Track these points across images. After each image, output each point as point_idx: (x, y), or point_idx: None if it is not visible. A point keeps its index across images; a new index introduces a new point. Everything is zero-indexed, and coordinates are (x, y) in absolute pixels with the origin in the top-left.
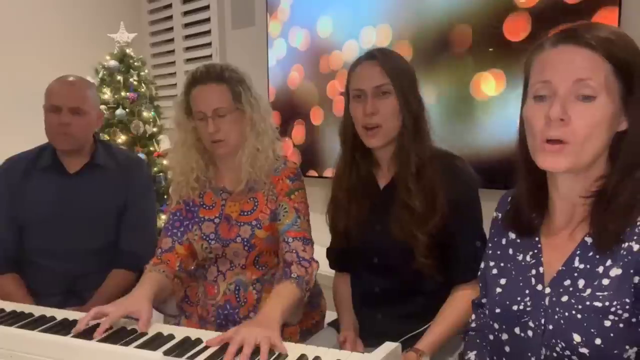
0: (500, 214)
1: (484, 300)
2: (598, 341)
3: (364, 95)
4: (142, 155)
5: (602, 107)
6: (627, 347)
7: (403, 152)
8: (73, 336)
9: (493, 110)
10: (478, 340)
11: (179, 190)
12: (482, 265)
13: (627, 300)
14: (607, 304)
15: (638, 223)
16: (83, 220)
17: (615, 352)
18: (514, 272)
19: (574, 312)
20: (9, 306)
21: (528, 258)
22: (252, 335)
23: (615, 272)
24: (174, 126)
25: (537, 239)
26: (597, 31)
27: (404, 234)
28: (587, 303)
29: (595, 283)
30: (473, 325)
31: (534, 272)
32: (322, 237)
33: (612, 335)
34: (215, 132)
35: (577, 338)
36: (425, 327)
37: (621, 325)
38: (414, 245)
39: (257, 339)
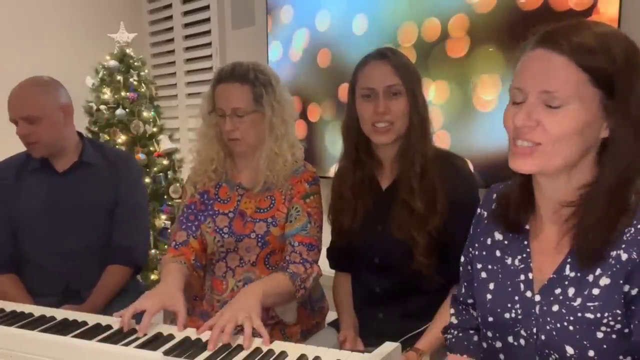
0: (485, 212)
1: (470, 301)
2: (591, 353)
3: (375, 95)
4: (142, 156)
5: (571, 114)
6: (621, 357)
7: (409, 152)
8: (73, 336)
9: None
10: (465, 343)
11: (194, 178)
12: (462, 260)
13: (619, 311)
14: (598, 315)
15: (626, 232)
16: (75, 218)
17: None
18: (501, 276)
19: (565, 323)
20: (9, 306)
21: (517, 262)
22: (234, 317)
23: (604, 281)
24: (199, 117)
25: (525, 242)
26: (578, 36)
27: (403, 233)
28: (579, 314)
29: (586, 292)
30: (454, 321)
31: (522, 277)
32: (322, 237)
33: (605, 346)
34: (232, 130)
35: (570, 350)
36: (425, 327)
37: (614, 336)
38: (413, 245)
39: (238, 320)
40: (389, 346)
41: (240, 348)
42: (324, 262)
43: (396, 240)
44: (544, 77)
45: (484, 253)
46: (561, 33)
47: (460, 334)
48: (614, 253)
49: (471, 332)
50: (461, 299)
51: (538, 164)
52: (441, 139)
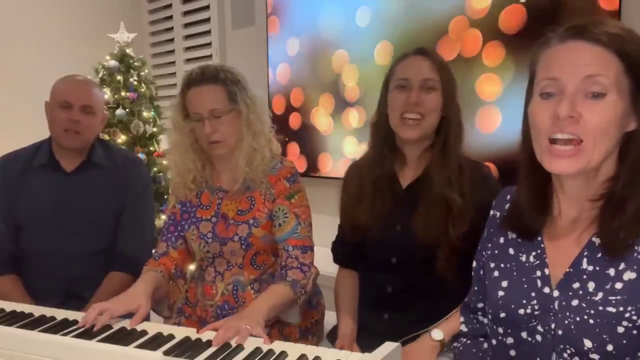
0: (498, 213)
1: (480, 305)
2: (610, 347)
3: (409, 86)
4: (142, 155)
5: (612, 104)
6: (639, 353)
7: (448, 147)
8: (73, 336)
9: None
10: (474, 350)
11: (176, 191)
12: (474, 264)
13: None
14: (621, 309)
15: None
16: (80, 220)
17: (627, 358)
18: (515, 274)
19: (585, 317)
20: (9, 306)
21: (531, 259)
22: (238, 325)
23: (629, 275)
24: (170, 128)
25: (539, 238)
26: (606, 27)
27: (430, 233)
28: (600, 308)
29: (607, 287)
30: (464, 329)
31: (538, 273)
32: (322, 237)
33: (624, 341)
34: (212, 133)
35: (588, 344)
36: (425, 330)
37: (634, 332)
38: (439, 245)
39: (240, 328)
40: (389, 346)
41: (240, 348)
42: (322, 262)
43: (418, 241)
44: (585, 65)
45: (497, 252)
46: (590, 26)
47: (469, 342)
48: (639, 247)
49: (481, 339)
50: (471, 305)
51: (580, 165)
52: None
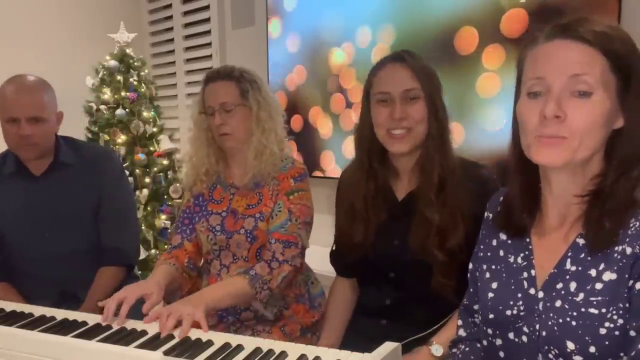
0: (491, 214)
1: (476, 307)
2: (592, 349)
3: (391, 100)
4: (142, 156)
5: (599, 103)
6: (622, 354)
7: (428, 162)
8: (73, 336)
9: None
10: (472, 357)
11: (188, 182)
12: (470, 267)
13: (621, 305)
14: (603, 310)
15: (631, 226)
16: (58, 221)
17: (609, 359)
18: (504, 275)
19: (568, 318)
20: (9, 306)
21: (519, 260)
22: (179, 311)
23: (610, 276)
24: (191, 123)
25: (527, 240)
26: (592, 25)
27: (422, 250)
28: (583, 310)
29: (588, 287)
30: (462, 333)
31: (525, 274)
32: (322, 237)
33: (607, 343)
34: (221, 124)
35: (570, 346)
36: (427, 332)
37: (617, 332)
38: (432, 263)
39: (182, 314)
40: (389, 346)
41: (240, 348)
42: (322, 262)
43: (415, 257)
44: (571, 63)
45: (489, 254)
46: (576, 24)
47: (467, 349)
48: (619, 248)
49: (478, 345)
50: (469, 307)
51: (566, 156)
52: None
